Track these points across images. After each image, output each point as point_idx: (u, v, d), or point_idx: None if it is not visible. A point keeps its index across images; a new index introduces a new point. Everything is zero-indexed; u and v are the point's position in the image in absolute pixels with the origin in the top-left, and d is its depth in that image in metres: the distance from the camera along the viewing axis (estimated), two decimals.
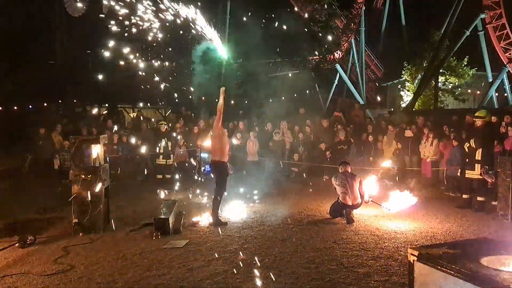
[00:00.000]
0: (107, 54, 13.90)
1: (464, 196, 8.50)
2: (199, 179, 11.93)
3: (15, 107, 21.88)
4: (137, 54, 15.45)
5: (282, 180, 12.07)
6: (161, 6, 8.06)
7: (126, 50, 13.50)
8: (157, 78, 16.09)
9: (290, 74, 28.00)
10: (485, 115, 8.36)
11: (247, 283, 4.54)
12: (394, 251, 5.60)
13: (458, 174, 9.23)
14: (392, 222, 7.27)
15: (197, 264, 5.13)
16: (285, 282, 4.57)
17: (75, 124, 14.24)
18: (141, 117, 18.96)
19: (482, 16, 28.07)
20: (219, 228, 6.73)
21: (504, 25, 28.38)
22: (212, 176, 7.69)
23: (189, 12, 7.35)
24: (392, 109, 30.49)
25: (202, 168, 12.19)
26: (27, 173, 12.37)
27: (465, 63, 30.19)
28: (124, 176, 12.23)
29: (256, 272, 4.84)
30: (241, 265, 5.07)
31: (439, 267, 2.53)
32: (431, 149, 11.13)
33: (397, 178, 11.72)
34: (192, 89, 16.76)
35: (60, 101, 21.62)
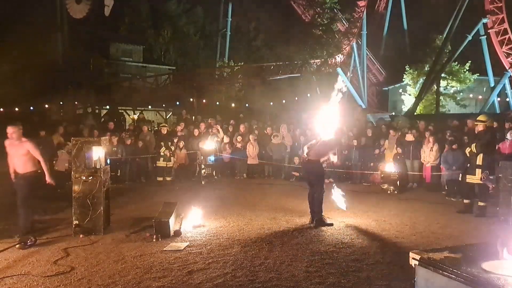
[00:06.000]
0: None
1: (465, 201, 8.48)
2: (201, 182, 11.93)
3: (16, 109, 21.93)
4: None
5: (283, 184, 12.04)
6: None
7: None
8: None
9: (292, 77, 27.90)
10: (486, 119, 8.34)
11: (248, 286, 4.53)
12: (395, 256, 5.57)
13: (459, 179, 9.22)
14: (393, 227, 7.25)
15: (197, 266, 5.12)
16: (286, 285, 4.56)
17: (76, 126, 14.23)
18: (143, 119, 18.99)
19: (484, 21, 28.12)
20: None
21: (506, 30, 28.45)
22: None
23: None
24: (393, 114, 30.52)
25: (203, 171, 12.16)
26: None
27: (467, 68, 30.22)
28: (125, 178, 12.26)
29: (256, 275, 4.83)
30: (242, 268, 5.06)
31: (440, 271, 2.53)
32: (432, 154, 11.11)
33: (398, 182, 11.69)
34: None
35: (61, 103, 21.66)
